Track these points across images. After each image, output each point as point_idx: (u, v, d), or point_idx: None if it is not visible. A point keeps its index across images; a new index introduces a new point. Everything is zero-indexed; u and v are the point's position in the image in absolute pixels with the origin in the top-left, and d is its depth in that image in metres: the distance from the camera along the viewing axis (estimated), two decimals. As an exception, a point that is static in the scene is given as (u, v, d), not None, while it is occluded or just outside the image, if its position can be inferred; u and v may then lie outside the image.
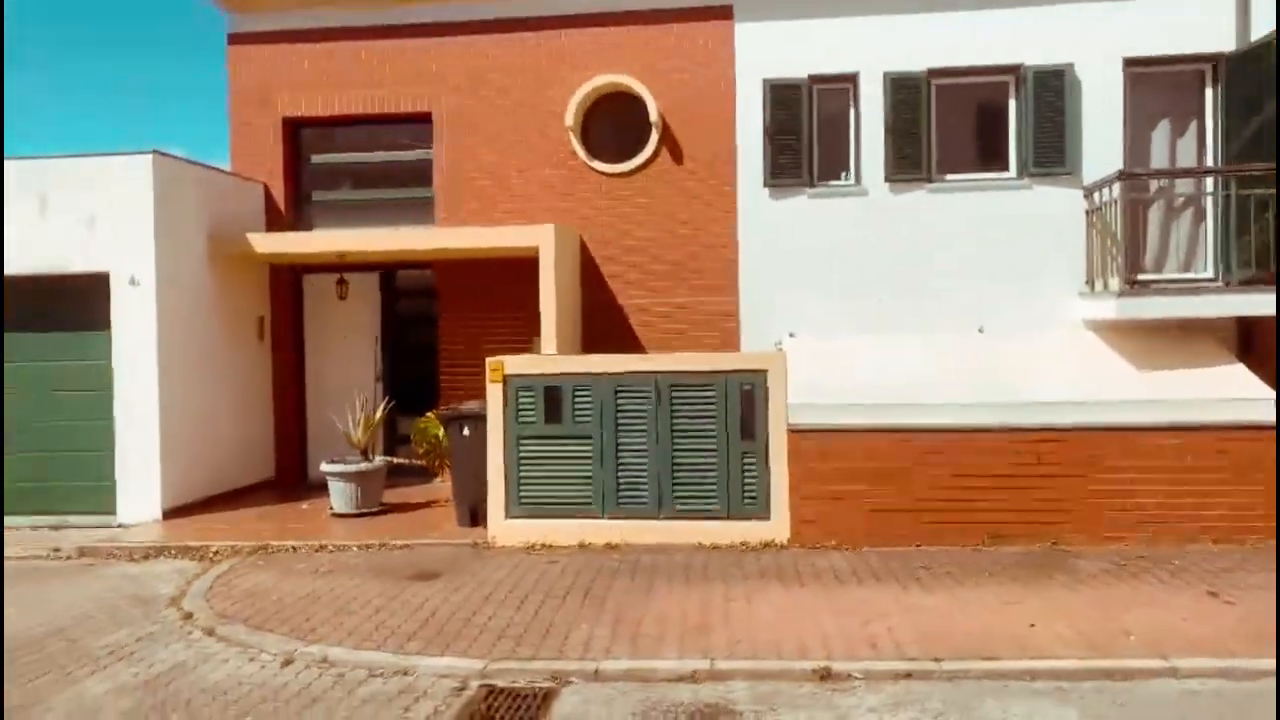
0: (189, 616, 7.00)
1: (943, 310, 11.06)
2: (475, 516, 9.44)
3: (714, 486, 8.82)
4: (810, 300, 11.35)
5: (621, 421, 8.87)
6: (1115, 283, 9.74)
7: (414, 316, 12.97)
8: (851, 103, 11.48)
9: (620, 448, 8.87)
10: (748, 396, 8.80)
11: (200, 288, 11.28)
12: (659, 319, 12.17)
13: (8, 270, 10.58)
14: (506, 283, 12.18)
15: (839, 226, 11.40)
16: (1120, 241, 9.82)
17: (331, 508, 10.39)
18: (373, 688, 5.59)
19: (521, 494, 8.96)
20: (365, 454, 10.48)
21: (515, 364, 9.03)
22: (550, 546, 8.79)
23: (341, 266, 12.35)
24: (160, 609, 7.27)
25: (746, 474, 8.81)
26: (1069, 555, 8.11)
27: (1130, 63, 11.06)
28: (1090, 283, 10.59)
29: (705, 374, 8.86)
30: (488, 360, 9.04)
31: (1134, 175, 10.55)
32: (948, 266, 11.14)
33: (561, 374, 8.96)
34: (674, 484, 8.85)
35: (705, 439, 8.83)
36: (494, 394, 8.98)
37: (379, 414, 10.73)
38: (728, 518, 8.81)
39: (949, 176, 11.33)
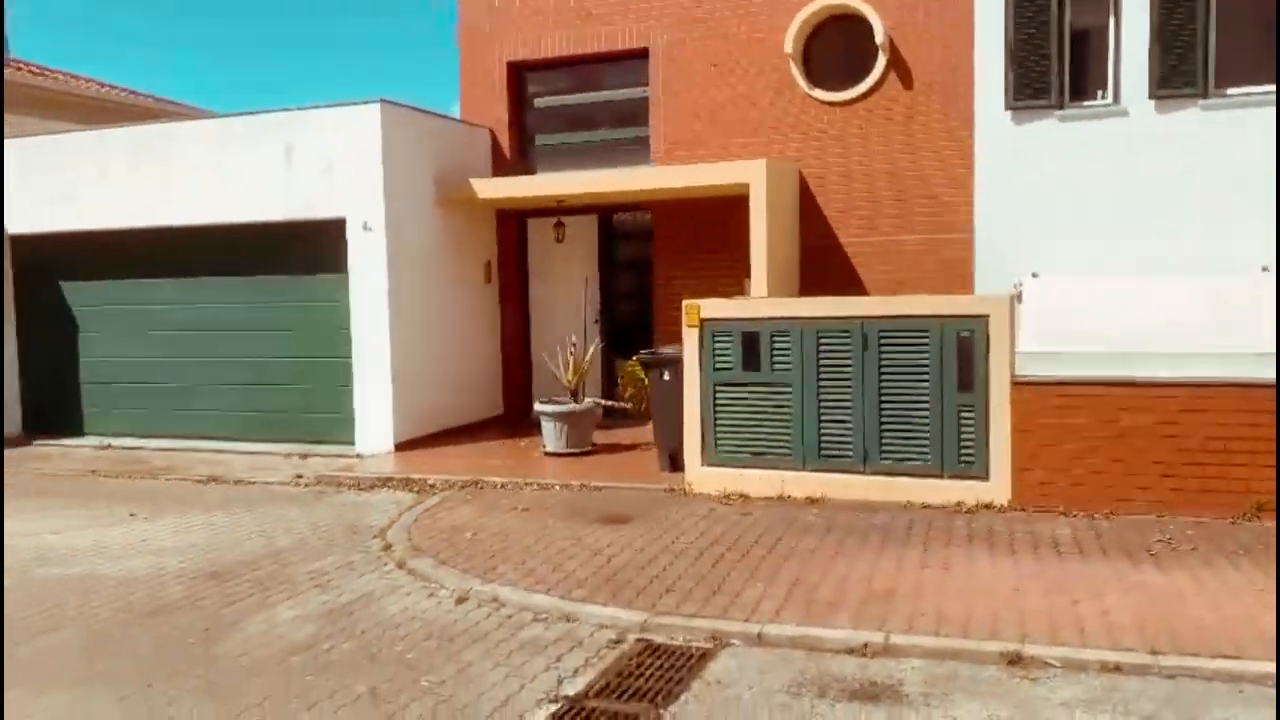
0: (388, 548, 7.32)
1: (1213, 247, 9.55)
2: (675, 461, 9.29)
3: (925, 441, 8.14)
4: (1056, 237, 10.16)
5: (824, 369, 8.35)
6: None
7: (631, 259, 12.92)
8: (1111, 6, 10.03)
9: (823, 397, 8.36)
10: (966, 344, 8.00)
11: (429, 232, 11.74)
12: (883, 260, 11.41)
13: (261, 216, 11.46)
14: (721, 223, 11.83)
15: (1092, 152, 10.10)
16: None
17: (544, 446, 10.60)
18: (533, 632, 5.56)
19: (719, 441, 8.69)
20: (575, 395, 10.58)
21: (712, 307, 8.70)
22: (746, 496, 8.48)
23: (561, 210, 12.47)
24: (367, 539, 7.66)
25: (964, 429, 8.05)
26: (1356, 538, 6.82)
27: None
28: None
29: (917, 319, 8.14)
30: (684, 303, 8.78)
31: None
32: (1222, 196, 9.60)
33: (759, 319, 8.54)
34: (881, 437, 8.25)
35: (917, 389, 8.14)
36: (690, 339, 8.72)
37: (588, 356, 10.77)
38: (940, 475, 8.11)
39: (1230, 91, 9.69)
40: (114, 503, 9.34)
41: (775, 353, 8.47)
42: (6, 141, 12.65)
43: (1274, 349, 7.71)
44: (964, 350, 8.00)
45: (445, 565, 6.71)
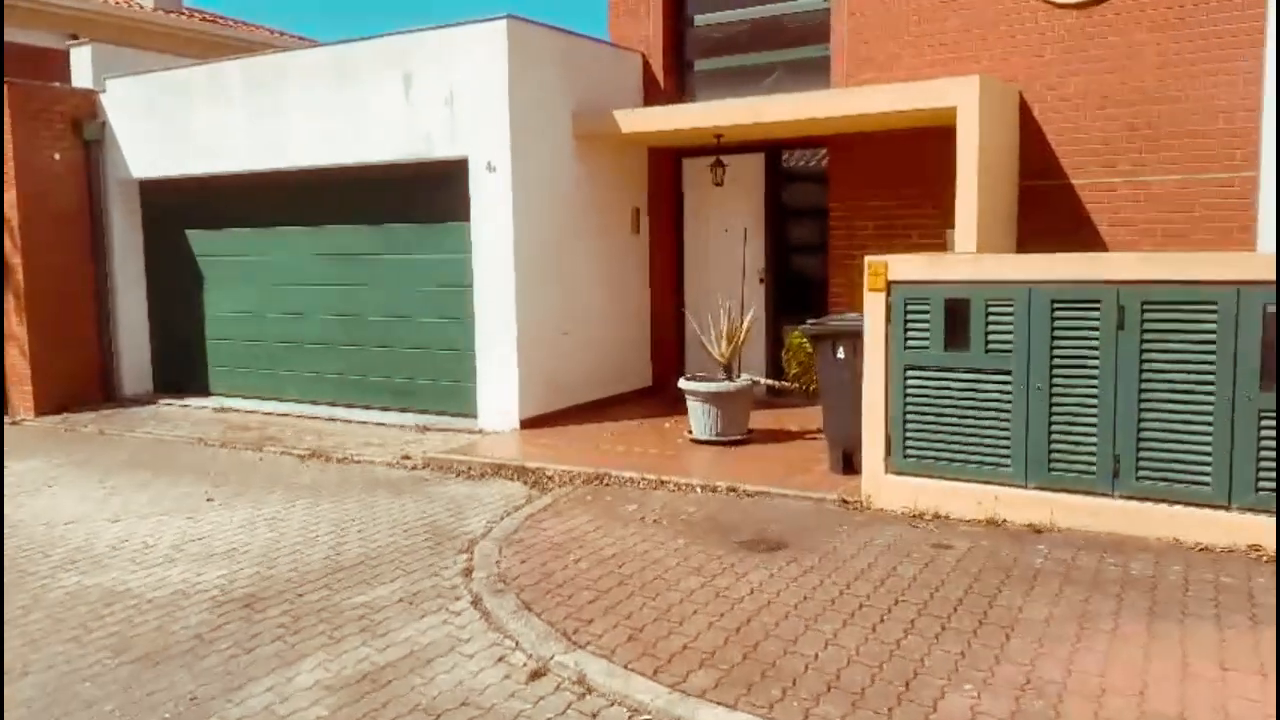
0: (469, 572, 5.72)
1: None
2: (849, 462, 7.30)
3: (1205, 458, 5.81)
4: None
5: (1060, 352, 6.12)
6: None
7: (802, 206, 10.83)
8: None
9: (1056, 390, 6.15)
10: (1275, 323, 5.60)
11: (565, 174, 10.05)
12: (1132, 206, 8.88)
13: (379, 156, 10.08)
14: (915, 161, 9.58)
15: None
16: None
17: (690, 431, 8.80)
18: (626, 746, 3.80)
19: (909, 442, 6.62)
20: (728, 372, 8.69)
21: (904, 266, 6.59)
22: (944, 518, 6.41)
23: (721, 148, 10.49)
24: (450, 555, 6.10)
25: (1264, 444, 5.67)
26: None
27: None
28: None
29: (1202, 285, 5.77)
30: (867, 261, 6.69)
31: None
32: None
33: (970, 281, 6.37)
34: (1139, 448, 5.97)
35: (1195, 384, 5.81)
36: (874, 306, 6.64)
37: (744, 325, 8.82)
38: (1225, 507, 5.78)
39: None
40: (201, 480, 8.23)
41: (991, 328, 6.30)
42: (123, 79, 11.80)
43: None
44: (1273, 331, 5.60)
45: (529, 610, 5.02)
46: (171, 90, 11.42)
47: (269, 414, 11.07)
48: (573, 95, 10.09)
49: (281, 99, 10.59)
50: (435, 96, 9.65)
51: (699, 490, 7.27)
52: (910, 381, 6.56)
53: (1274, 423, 5.62)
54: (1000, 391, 6.30)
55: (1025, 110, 9.20)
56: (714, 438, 8.50)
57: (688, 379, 8.73)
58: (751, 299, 10.15)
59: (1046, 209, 9.14)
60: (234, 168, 11.04)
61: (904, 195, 9.75)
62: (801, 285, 10.76)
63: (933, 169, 9.36)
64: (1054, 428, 6.17)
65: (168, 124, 11.45)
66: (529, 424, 9.60)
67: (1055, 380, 6.13)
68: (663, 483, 7.46)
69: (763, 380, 8.98)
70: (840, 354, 7.24)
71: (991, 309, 6.27)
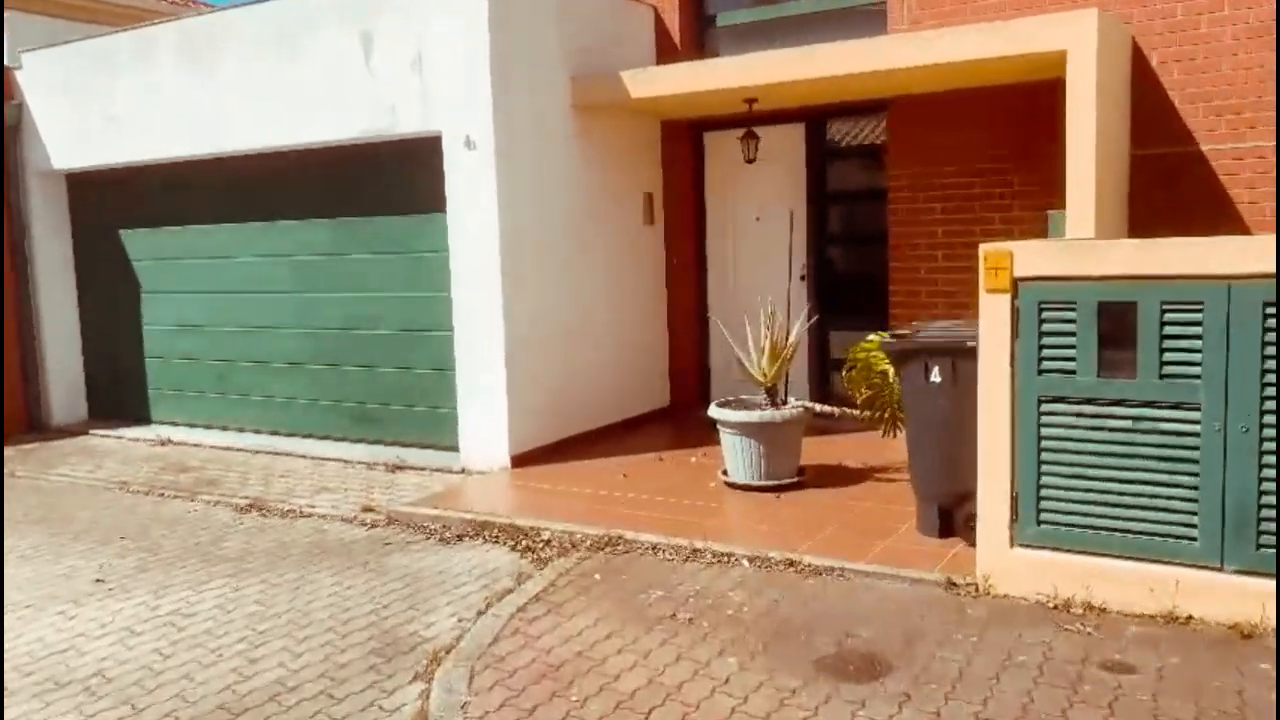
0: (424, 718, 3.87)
1: None
2: (947, 521, 5.44)
3: None
4: None
5: (1277, 378, 4.24)
6: None
7: (852, 187, 8.98)
8: None
9: (1269, 432, 4.27)
10: None
11: (562, 152, 8.20)
12: (1282, 176, 6.99)
13: (336, 135, 8.24)
14: (1002, 127, 7.72)
15: None
16: None
17: (724, 472, 6.94)
18: None
19: (1045, 504, 4.74)
20: (773, 395, 6.82)
21: (1037, 258, 4.69)
22: (1099, 610, 4.53)
23: (753, 117, 8.61)
24: (402, 683, 4.25)
25: None
26: None
27: None
28: None
29: None
30: (983, 250, 4.79)
31: None
32: None
33: (1137, 276, 4.47)
34: (1394, 513, 4.09)
35: None
36: (993, 312, 4.75)
37: (792, 337, 6.93)
38: None
39: None
40: (104, 545, 6.41)
41: (1169, 343, 4.41)
42: (42, 51, 9.96)
43: None
44: None
45: (509, 814, 3.17)
46: (95, 62, 9.56)
47: (215, 447, 9.22)
48: (570, 56, 8.24)
49: (219, 69, 8.74)
50: (401, 59, 7.81)
51: (746, 564, 5.40)
52: (1047, 418, 4.68)
53: None
54: (1183, 434, 4.42)
55: (1138, 57, 7.32)
56: (756, 482, 6.64)
57: (720, 405, 6.86)
58: (795, 300, 8.28)
59: (1172, 184, 7.25)
60: (169, 154, 9.19)
61: (983, 170, 7.88)
62: (852, 283, 8.91)
63: (1022, 135, 7.51)
64: (1264, 486, 4.29)
65: (93, 104, 9.61)
66: (522, 460, 7.76)
67: (1267, 418, 4.25)
68: (696, 552, 5.59)
69: (815, 407, 7.07)
70: (936, 377, 5.36)
71: (1170, 316, 4.39)
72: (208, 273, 9.48)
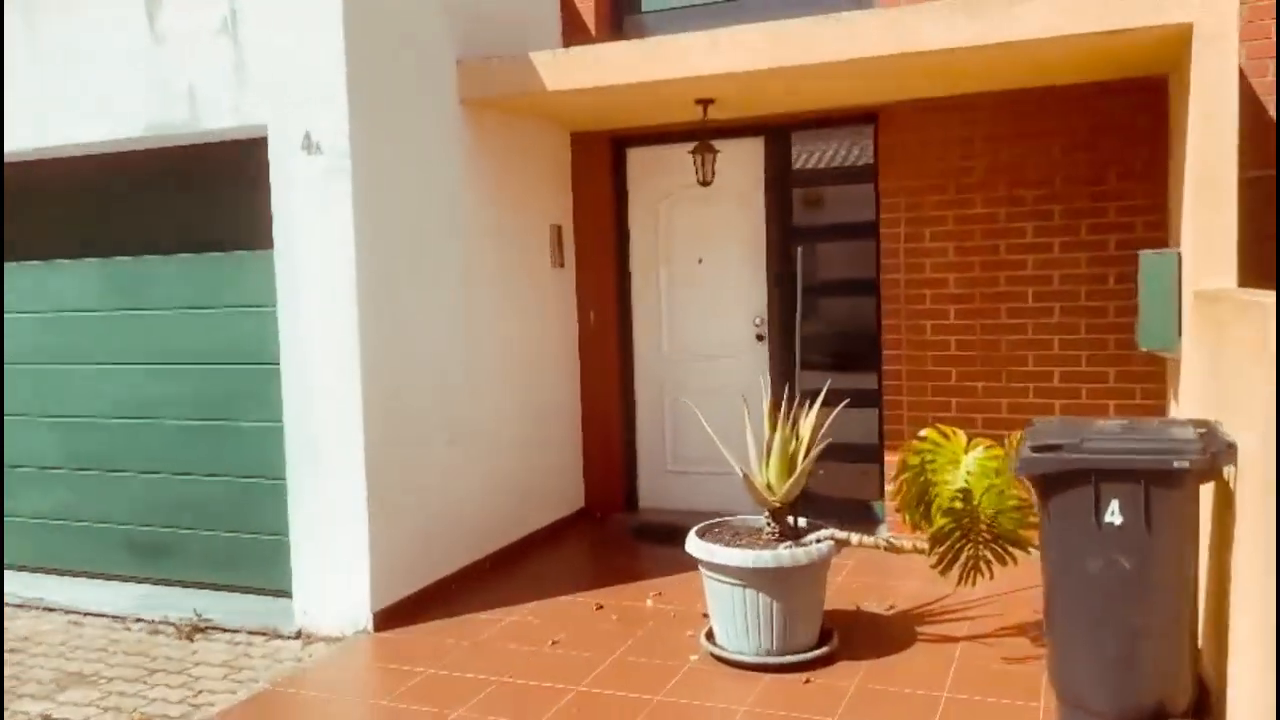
0: None
1: None
2: (1136, 755, 3.27)
3: None
4: None
5: None
6: None
7: (826, 221, 6.92)
8: None
9: None
10: None
11: (446, 165, 5.79)
12: None
13: (102, 134, 5.57)
14: (1051, 140, 5.82)
15: None
16: None
17: (710, 635, 4.61)
18: None
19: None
20: (782, 522, 4.53)
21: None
22: None
23: (697, 130, 6.43)
24: None
25: None
26: None
27: None
28: None
29: None
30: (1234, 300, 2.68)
31: None
32: None
33: None
34: None
35: None
36: (1256, 394, 2.64)
37: (807, 433, 4.58)
38: None
39: None
40: None
41: None
42: None
43: None
44: None
45: None
46: None
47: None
48: (456, 32, 5.88)
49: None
50: (204, 20, 5.26)
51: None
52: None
53: None
54: None
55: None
56: (768, 658, 4.33)
57: (703, 536, 4.54)
58: (775, 367, 6.07)
59: (1270, 210, 5.48)
60: None
61: (1022, 197, 5.95)
62: (828, 345, 6.80)
63: (1086, 151, 5.63)
64: None
65: None
66: (392, 617, 5.21)
67: None
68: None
69: (852, 539, 4.71)
70: (1116, 516, 3.21)
71: None
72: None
